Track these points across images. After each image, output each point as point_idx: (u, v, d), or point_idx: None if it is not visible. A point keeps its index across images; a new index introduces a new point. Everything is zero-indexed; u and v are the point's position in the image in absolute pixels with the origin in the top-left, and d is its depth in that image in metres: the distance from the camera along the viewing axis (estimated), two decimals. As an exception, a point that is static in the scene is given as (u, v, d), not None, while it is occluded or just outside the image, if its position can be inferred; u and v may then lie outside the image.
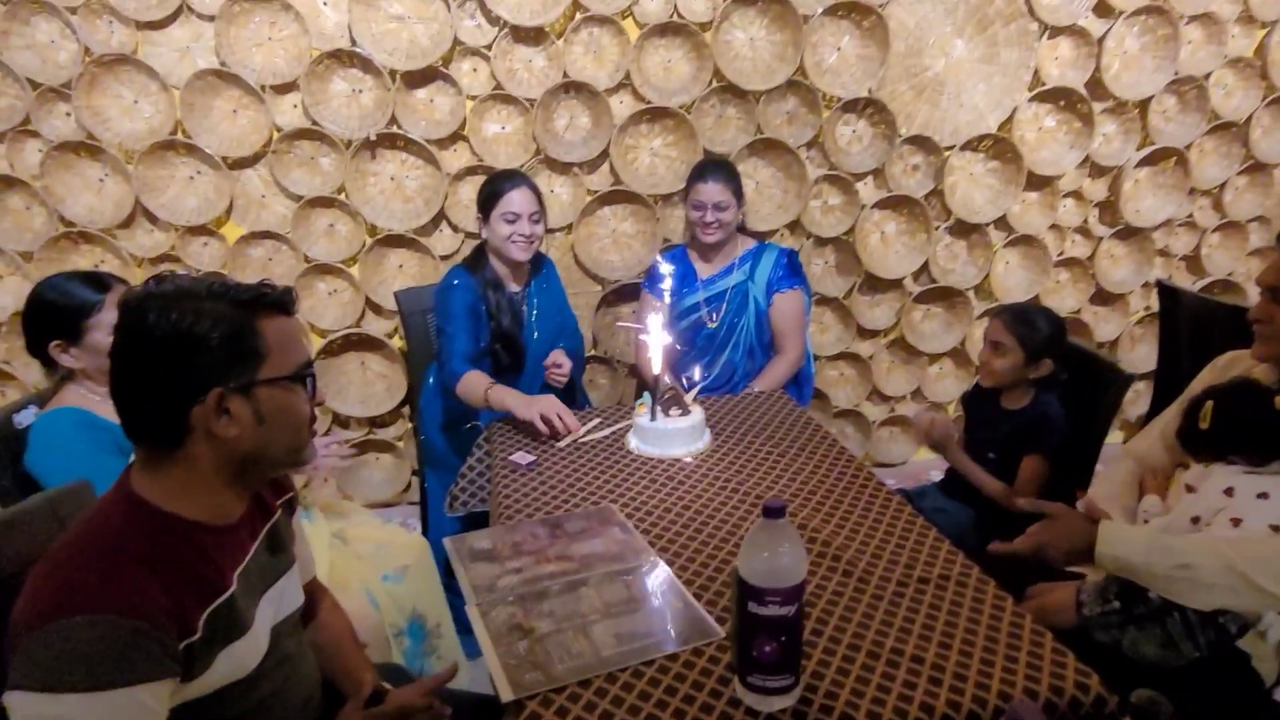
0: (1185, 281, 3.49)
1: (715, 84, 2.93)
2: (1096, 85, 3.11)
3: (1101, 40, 3.05)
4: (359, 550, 1.97)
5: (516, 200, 2.32)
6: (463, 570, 1.41)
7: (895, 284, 3.29)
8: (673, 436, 1.85)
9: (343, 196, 2.89)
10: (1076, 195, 3.29)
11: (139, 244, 2.86)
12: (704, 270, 2.67)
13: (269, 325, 1.10)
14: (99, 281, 1.71)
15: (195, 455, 1.07)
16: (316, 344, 3.02)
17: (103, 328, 1.67)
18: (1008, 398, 2.04)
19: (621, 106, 2.95)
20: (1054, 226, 3.30)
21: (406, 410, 3.18)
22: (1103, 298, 3.45)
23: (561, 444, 1.95)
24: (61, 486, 1.42)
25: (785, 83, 2.94)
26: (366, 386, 3.14)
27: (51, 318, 1.67)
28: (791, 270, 2.60)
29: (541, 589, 1.36)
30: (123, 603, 0.95)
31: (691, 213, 2.57)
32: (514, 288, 2.49)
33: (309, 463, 1.20)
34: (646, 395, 1.93)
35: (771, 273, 2.59)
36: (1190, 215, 3.39)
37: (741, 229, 2.69)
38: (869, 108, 3.06)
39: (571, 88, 2.89)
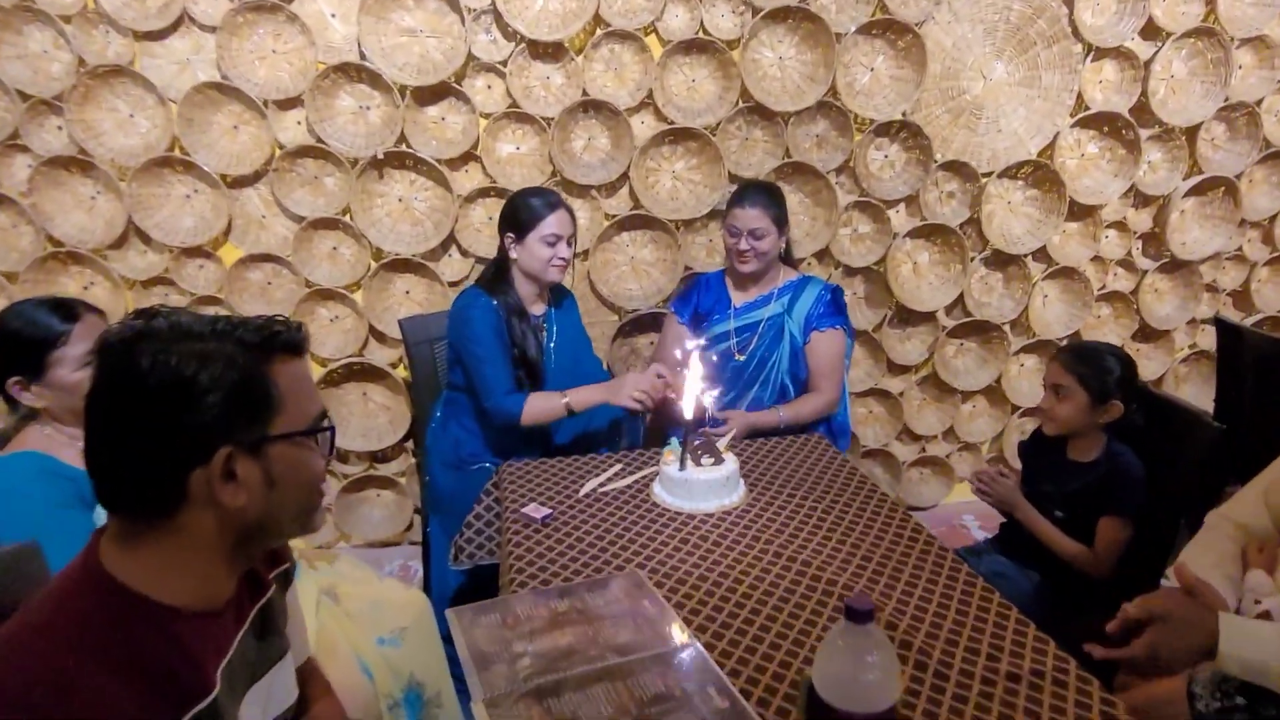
0: (1233, 318, 3.27)
1: (742, 104, 2.75)
2: (1142, 111, 2.92)
3: (1148, 63, 2.86)
4: (351, 609, 1.74)
5: (558, 223, 2.17)
6: (467, 655, 1.19)
7: (928, 317, 3.08)
8: (704, 489, 1.63)
9: (347, 218, 2.70)
10: (1119, 226, 3.09)
11: (131, 265, 2.67)
12: (739, 297, 2.44)
13: (282, 370, 0.91)
14: (67, 310, 1.51)
15: (188, 527, 0.87)
16: (316, 373, 2.82)
17: (68, 362, 1.47)
18: (1075, 448, 1.82)
19: (643, 127, 2.77)
20: (1096, 258, 3.09)
21: (410, 444, 2.97)
22: (1145, 334, 3.24)
23: (581, 492, 1.74)
24: (5, 547, 1.21)
25: (815, 104, 2.75)
26: (368, 419, 2.93)
27: (11, 350, 1.47)
28: (834, 308, 2.37)
29: (559, 680, 1.14)
30: None
31: (727, 238, 2.36)
32: (535, 312, 2.31)
33: (318, 529, 1.00)
34: (674, 441, 1.71)
35: (812, 309, 2.35)
36: (1239, 248, 3.18)
37: (785, 259, 2.45)
38: (903, 131, 2.87)
39: (590, 107, 2.70)
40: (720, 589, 1.40)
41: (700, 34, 2.66)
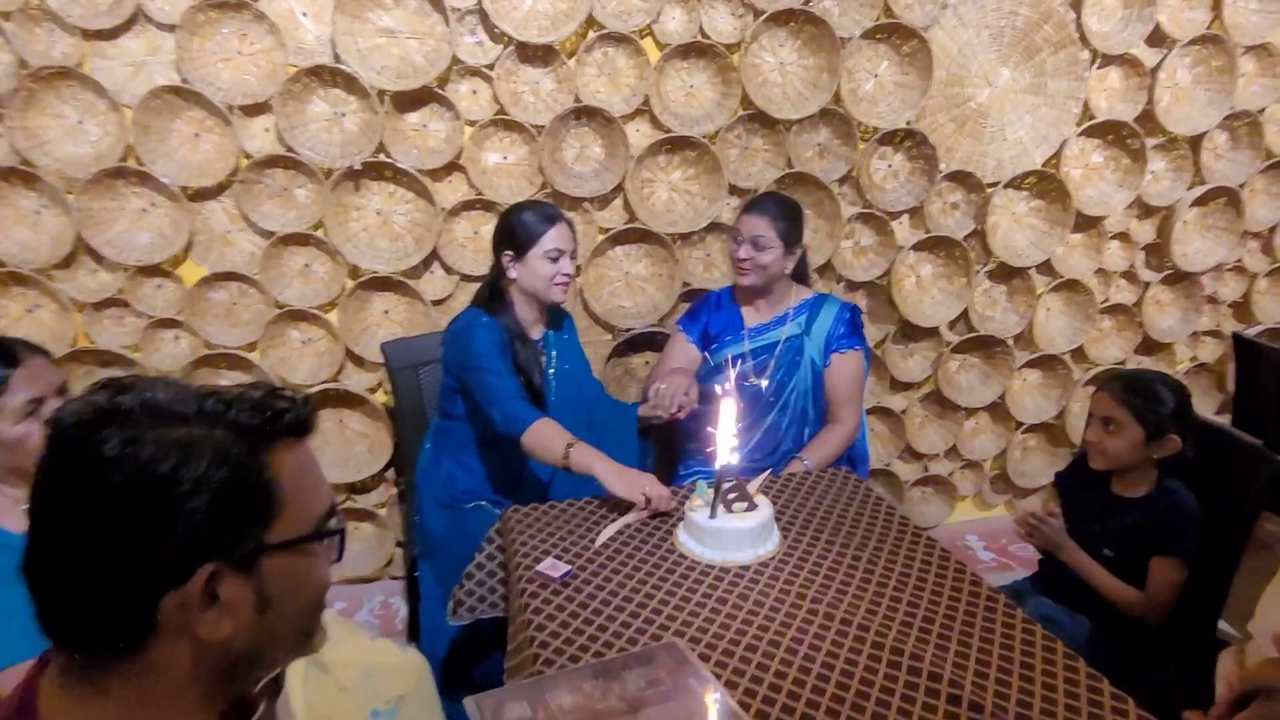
0: (1231, 329, 3.21)
1: (742, 112, 2.60)
2: (1145, 119, 2.83)
3: (1154, 71, 2.78)
4: (343, 680, 1.55)
5: (560, 236, 2.01)
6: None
7: (930, 332, 2.96)
8: (737, 538, 1.47)
9: (320, 233, 2.49)
10: (1122, 237, 3.01)
11: (81, 286, 2.43)
12: (751, 317, 2.28)
13: (285, 459, 0.73)
14: (4, 353, 1.30)
15: (157, 666, 0.67)
16: (288, 400, 2.60)
17: (7, 415, 1.26)
18: (1122, 482, 1.70)
19: (638, 135, 2.61)
20: (1099, 271, 3.00)
21: (391, 474, 2.77)
22: (1146, 347, 3.16)
23: (598, 542, 1.57)
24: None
25: (818, 112, 2.62)
26: (345, 447, 2.72)
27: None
28: (853, 328, 2.24)
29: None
30: None
31: (730, 245, 2.23)
32: (534, 337, 2.14)
33: (319, 649, 0.80)
34: (701, 485, 1.55)
35: (831, 329, 2.21)
36: (1239, 259, 3.12)
37: (798, 277, 2.29)
38: (907, 140, 2.75)
39: (583, 114, 2.53)
40: (760, 650, 1.25)
41: (699, 37, 2.51)
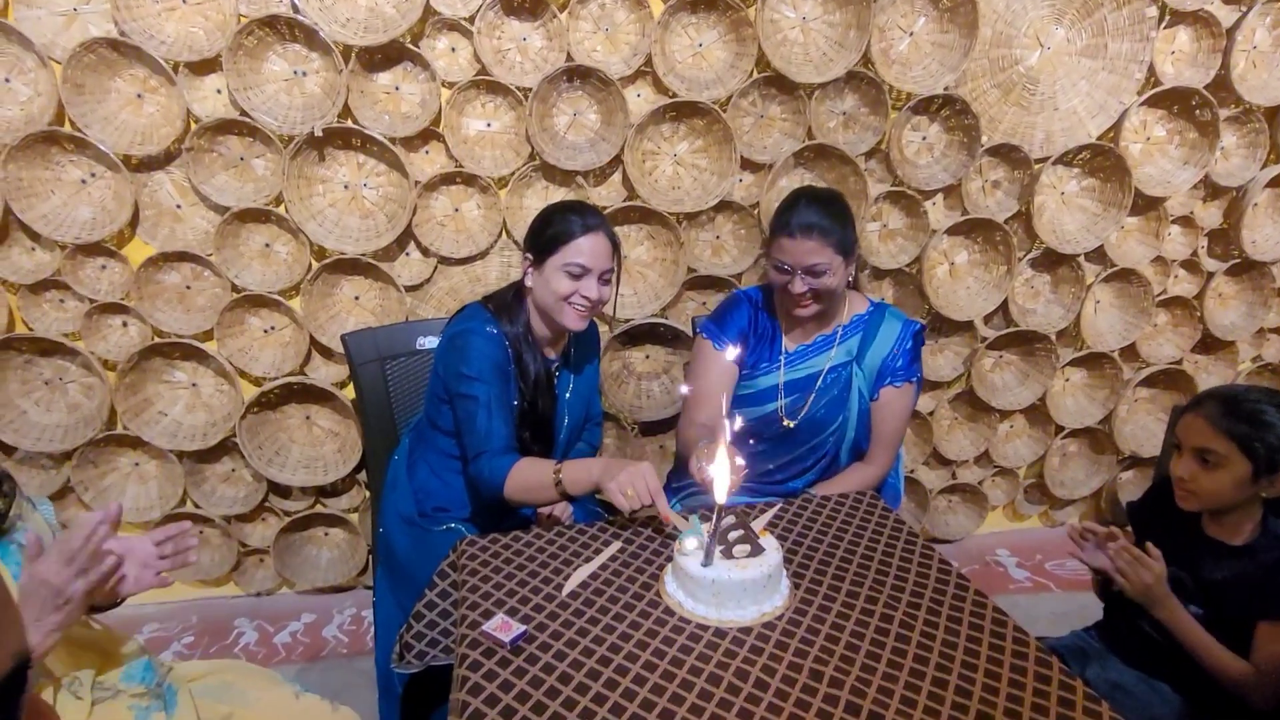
0: (1303, 326, 2.83)
1: (757, 74, 2.25)
2: (1218, 87, 2.44)
3: (1231, 31, 2.38)
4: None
5: (588, 249, 1.62)
6: None
7: (964, 326, 2.60)
8: (738, 592, 1.14)
9: (281, 209, 2.18)
10: (1185, 221, 2.62)
11: (15, 266, 2.14)
12: (792, 338, 1.82)
13: None
14: None
15: None
16: (248, 393, 2.30)
17: None
18: (1218, 525, 1.35)
19: (639, 101, 2.26)
20: (1157, 259, 2.63)
21: (364, 476, 2.46)
22: (1204, 345, 2.78)
23: (566, 590, 1.24)
24: None
25: (844, 75, 2.25)
26: (312, 447, 2.42)
27: None
28: (914, 355, 1.77)
29: None
30: None
31: (773, 274, 1.72)
32: (551, 355, 1.77)
33: None
34: (695, 522, 1.22)
35: (889, 358, 1.75)
36: (1316, 248, 2.73)
37: (852, 285, 1.82)
38: (944, 109, 2.38)
39: (577, 75, 2.19)
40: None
41: (709, -12, 2.16)
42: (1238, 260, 2.65)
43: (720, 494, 1.16)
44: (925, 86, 2.30)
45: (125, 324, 2.24)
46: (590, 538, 1.41)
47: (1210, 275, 2.67)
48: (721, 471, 1.16)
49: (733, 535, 1.19)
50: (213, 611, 2.52)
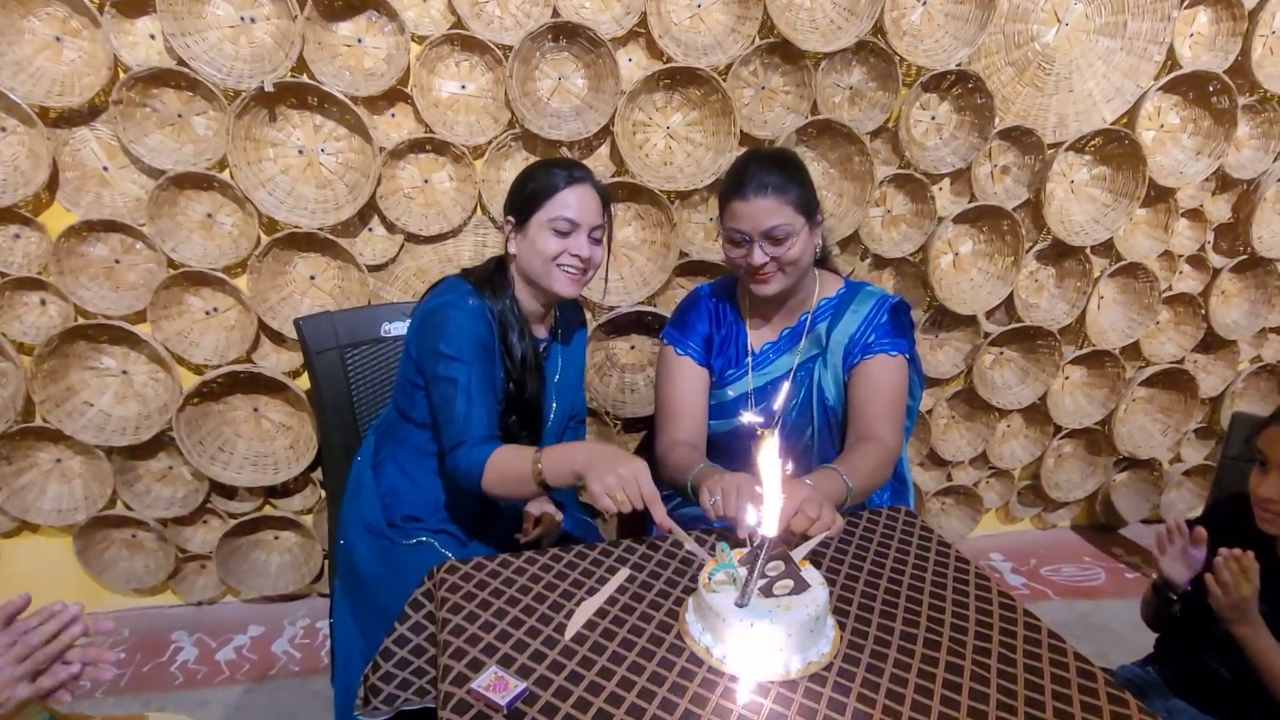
0: (1303, 325, 2.72)
1: (760, 41, 2.03)
2: (1235, 73, 2.30)
3: (1254, 13, 2.24)
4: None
5: (575, 203, 1.43)
6: None
7: (966, 320, 2.43)
8: (777, 638, 0.94)
9: (226, 175, 1.90)
10: (1194, 215, 2.49)
11: (-90, 233, 1.83)
12: (758, 335, 1.58)
13: None
14: None
15: None
16: (188, 383, 2.02)
17: None
18: (1303, 548, 1.19)
19: (631, 65, 2.03)
20: (1164, 253, 2.49)
21: (319, 474, 2.21)
22: (1205, 344, 2.66)
23: (569, 632, 1.02)
24: None
25: (853, 45, 2.05)
26: (261, 443, 2.15)
27: None
28: (894, 329, 1.51)
29: None
30: None
31: (728, 250, 1.48)
32: (540, 333, 1.56)
33: None
34: (725, 549, 1.01)
35: (859, 333, 1.50)
36: (1322, 244, 2.62)
37: (822, 262, 1.59)
38: (956, 86, 2.20)
39: (563, 33, 1.95)
40: None
41: (711, -58, 1.94)
42: (1245, 256, 2.52)
43: (771, 524, 0.94)
44: (938, 61, 2.11)
45: (43, 302, 1.94)
46: (592, 562, 1.19)
47: (1216, 271, 2.54)
48: (771, 496, 0.95)
49: (770, 568, 0.98)
50: (147, 623, 2.24)
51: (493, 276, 1.50)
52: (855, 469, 1.35)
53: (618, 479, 1.16)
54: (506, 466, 1.28)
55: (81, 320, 1.95)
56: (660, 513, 1.16)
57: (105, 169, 1.89)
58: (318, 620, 2.28)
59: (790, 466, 1.03)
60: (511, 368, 1.47)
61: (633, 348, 2.27)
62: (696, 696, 0.91)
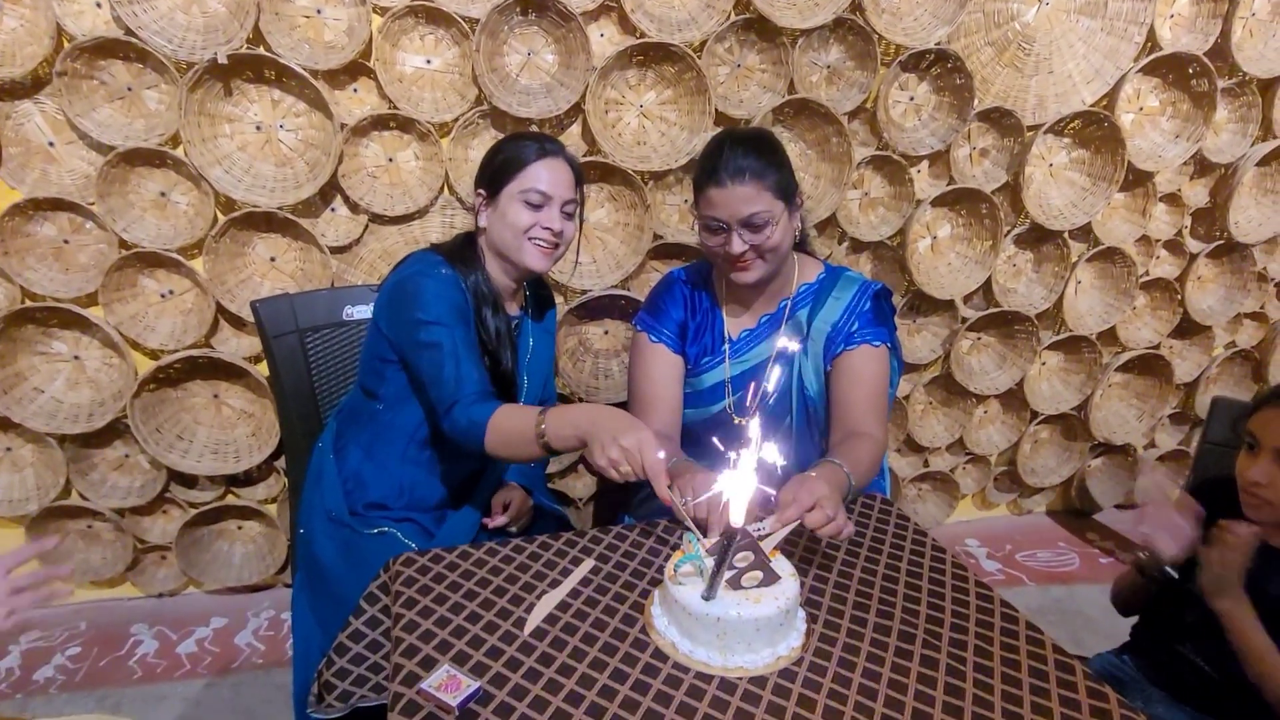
0: (1277, 313, 2.72)
1: (736, 17, 1.97)
2: (1214, 56, 2.27)
3: (1234, -5, 2.21)
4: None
5: (547, 175, 1.39)
6: None
7: (944, 305, 2.40)
8: (748, 632, 0.89)
9: (180, 151, 1.82)
10: (1171, 199, 2.46)
11: None
12: (734, 323, 1.53)
13: None
14: None
15: None
16: (143, 368, 1.94)
17: None
18: (1287, 536, 1.16)
19: (603, 41, 1.96)
20: (1142, 238, 2.46)
21: (282, 462, 2.14)
22: (1181, 330, 2.65)
23: (529, 626, 0.97)
24: None
25: (831, 22, 2.00)
26: (222, 430, 2.08)
27: None
28: (877, 316, 1.46)
29: None
30: None
31: (704, 238, 1.41)
32: (512, 311, 1.51)
33: None
34: (691, 541, 0.96)
35: (842, 321, 1.45)
36: (1296, 231, 2.61)
37: (800, 246, 1.53)
38: (935, 66, 2.15)
39: (532, 6, 1.88)
40: None
41: (685, -87, 1.87)
42: (1221, 242, 2.50)
43: (738, 514, 0.90)
44: (917, 40, 2.05)
45: (-14, 287, 1.86)
46: (556, 553, 1.14)
47: (1193, 257, 2.52)
48: (741, 486, 0.90)
49: (739, 559, 0.93)
50: (105, 616, 2.17)
51: (463, 250, 1.45)
52: (856, 464, 1.29)
53: (621, 452, 1.11)
54: (509, 425, 1.22)
55: (29, 303, 1.86)
56: (662, 487, 1.10)
57: (51, 144, 1.80)
58: (283, 612, 2.21)
59: (772, 453, 0.96)
60: (487, 340, 1.42)
61: (606, 333, 2.22)
62: (660, 694, 0.86)
